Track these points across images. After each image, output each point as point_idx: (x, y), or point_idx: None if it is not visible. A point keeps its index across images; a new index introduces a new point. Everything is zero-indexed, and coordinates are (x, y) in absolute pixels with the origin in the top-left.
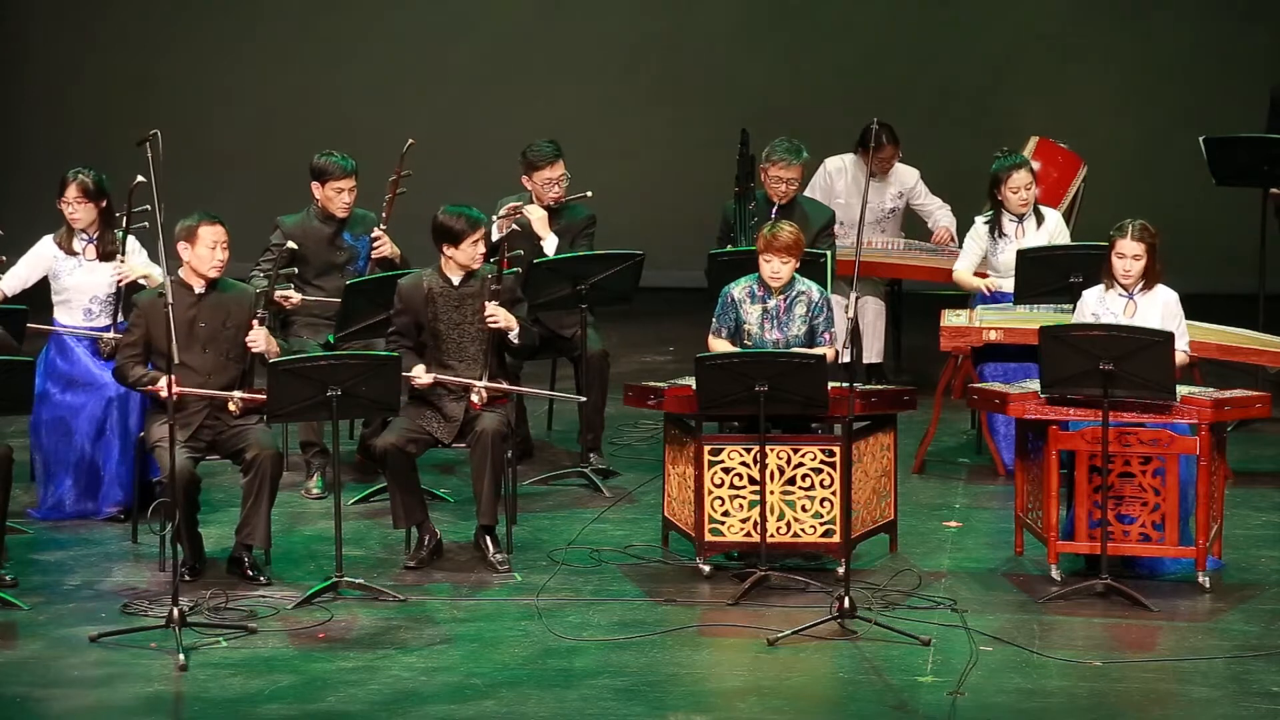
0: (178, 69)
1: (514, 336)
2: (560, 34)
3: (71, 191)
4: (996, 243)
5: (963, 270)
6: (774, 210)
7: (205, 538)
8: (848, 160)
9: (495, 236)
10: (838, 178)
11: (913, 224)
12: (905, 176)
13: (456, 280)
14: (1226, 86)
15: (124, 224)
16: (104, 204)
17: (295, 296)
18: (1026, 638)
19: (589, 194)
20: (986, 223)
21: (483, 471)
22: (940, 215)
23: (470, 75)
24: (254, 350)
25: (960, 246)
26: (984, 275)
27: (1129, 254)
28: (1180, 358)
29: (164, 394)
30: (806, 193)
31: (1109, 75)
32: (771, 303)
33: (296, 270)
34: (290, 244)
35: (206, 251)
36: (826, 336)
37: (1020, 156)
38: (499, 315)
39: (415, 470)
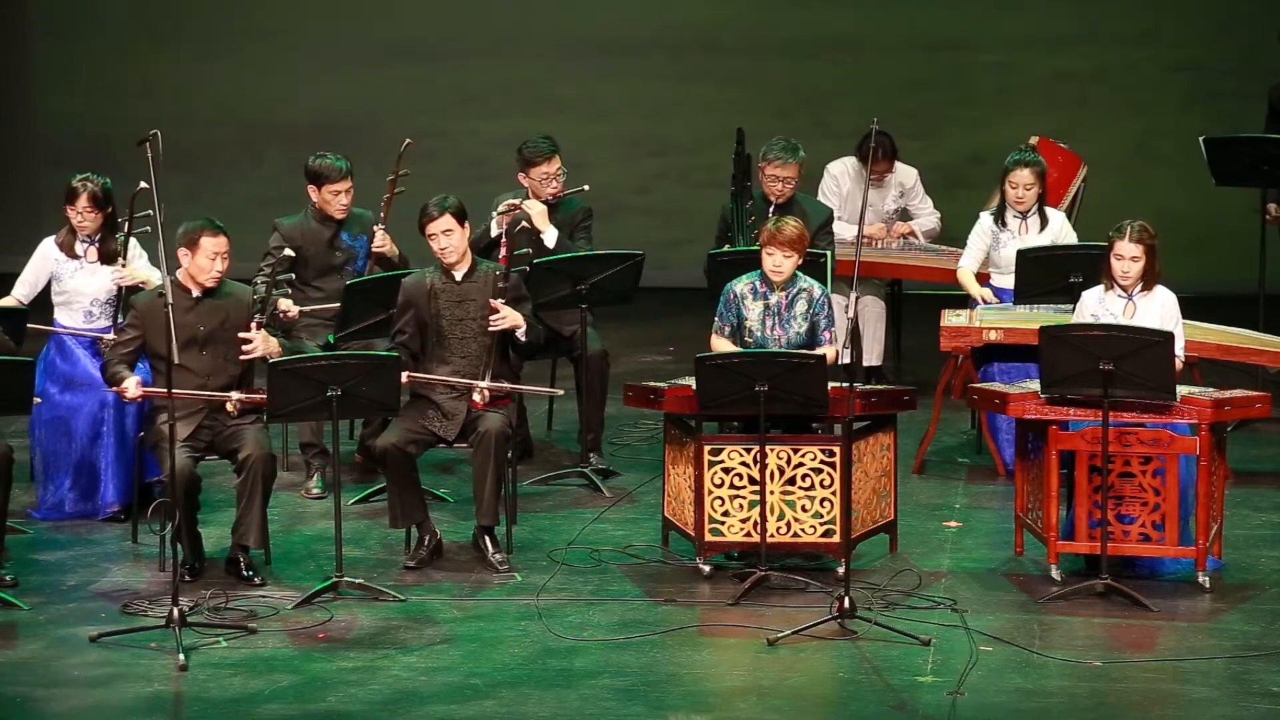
0: (178, 68)
1: (521, 334)
2: (560, 33)
3: (83, 201)
4: (1000, 234)
5: (965, 269)
6: (771, 209)
7: (205, 538)
8: (849, 163)
9: (494, 232)
10: (842, 180)
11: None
12: (904, 176)
13: (459, 276)
14: (1226, 86)
15: (126, 228)
16: (109, 210)
17: (293, 310)
18: (1026, 638)
19: (586, 187)
20: (992, 214)
21: (485, 472)
22: (924, 220)
23: (469, 75)
24: (249, 357)
25: (953, 248)
26: (986, 277)
27: (1127, 255)
28: (1175, 362)
29: (128, 395)
30: (818, 196)
31: (1109, 75)
32: (773, 299)
33: (295, 276)
34: (288, 251)
35: (206, 262)
36: (827, 335)
37: (1032, 156)
38: (506, 315)
39: (415, 470)
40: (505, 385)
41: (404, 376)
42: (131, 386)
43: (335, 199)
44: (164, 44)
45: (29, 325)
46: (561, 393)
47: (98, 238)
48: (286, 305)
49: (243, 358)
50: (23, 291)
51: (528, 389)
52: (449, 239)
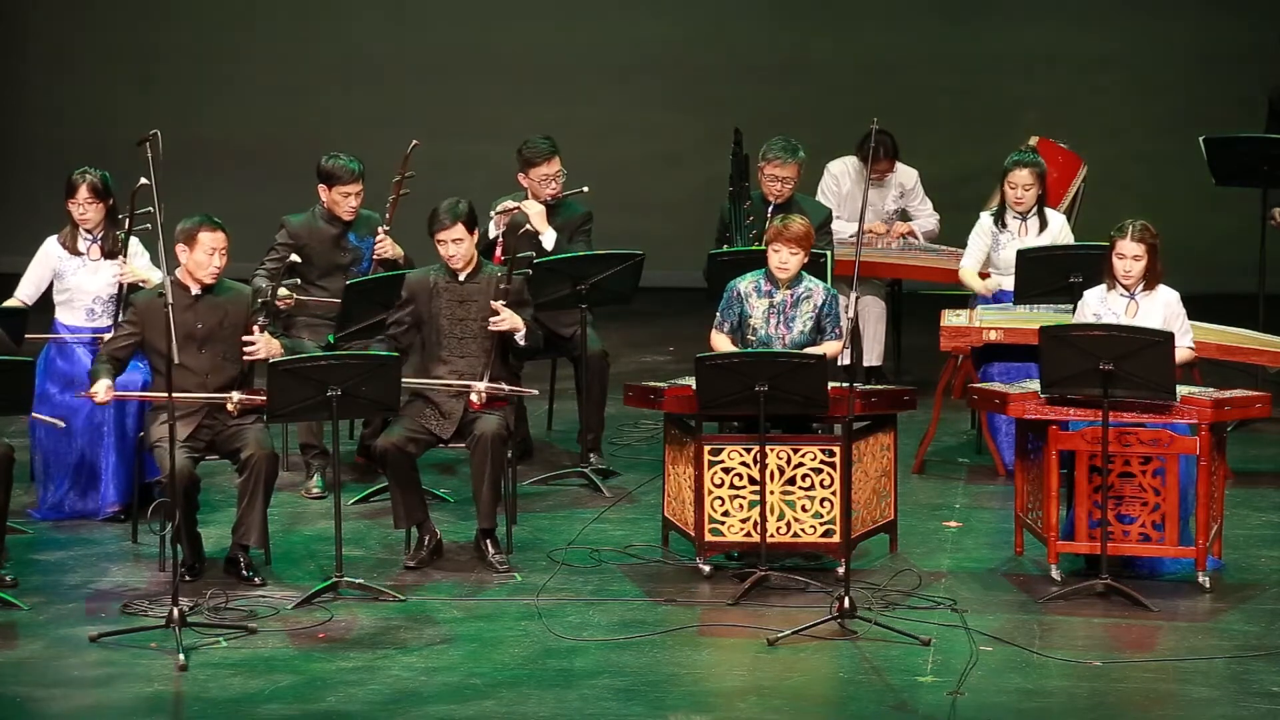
0: (178, 67)
1: (520, 338)
2: (560, 33)
3: (83, 192)
4: (1000, 235)
5: (967, 269)
6: (770, 209)
7: (205, 538)
8: (850, 163)
9: (493, 234)
10: (843, 180)
11: None
12: (905, 177)
13: (462, 277)
14: (1226, 86)
15: (127, 225)
16: (110, 203)
17: (291, 298)
18: (1026, 638)
19: (585, 189)
20: (992, 215)
21: (482, 474)
22: (923, 221)
23: (469, 76)
24: (252, 359)
25: (952, 248)
26: (986, 275)
27: (1129, 254)
28: (1186, 354)
29: (98, 399)
30: (817, 195)
31: (1109, 75)
32: (778, 297)
33: (299, 281)
34: (294, 256)
35: (204, 258)
36: (836, 333)
37: (1032, 157)
38: (505, 316)
39: (416, 470)
40: (504, 387)
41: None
42: (101, 391)
43: (345, 200)
44: (167, 41)
45: (28, 335)
46: (535, 392)
47: (100, 234)
48: (285, 293)
49: (246, 358)
50: (27, 292)
51: (518, 390)
52: (458, 247)
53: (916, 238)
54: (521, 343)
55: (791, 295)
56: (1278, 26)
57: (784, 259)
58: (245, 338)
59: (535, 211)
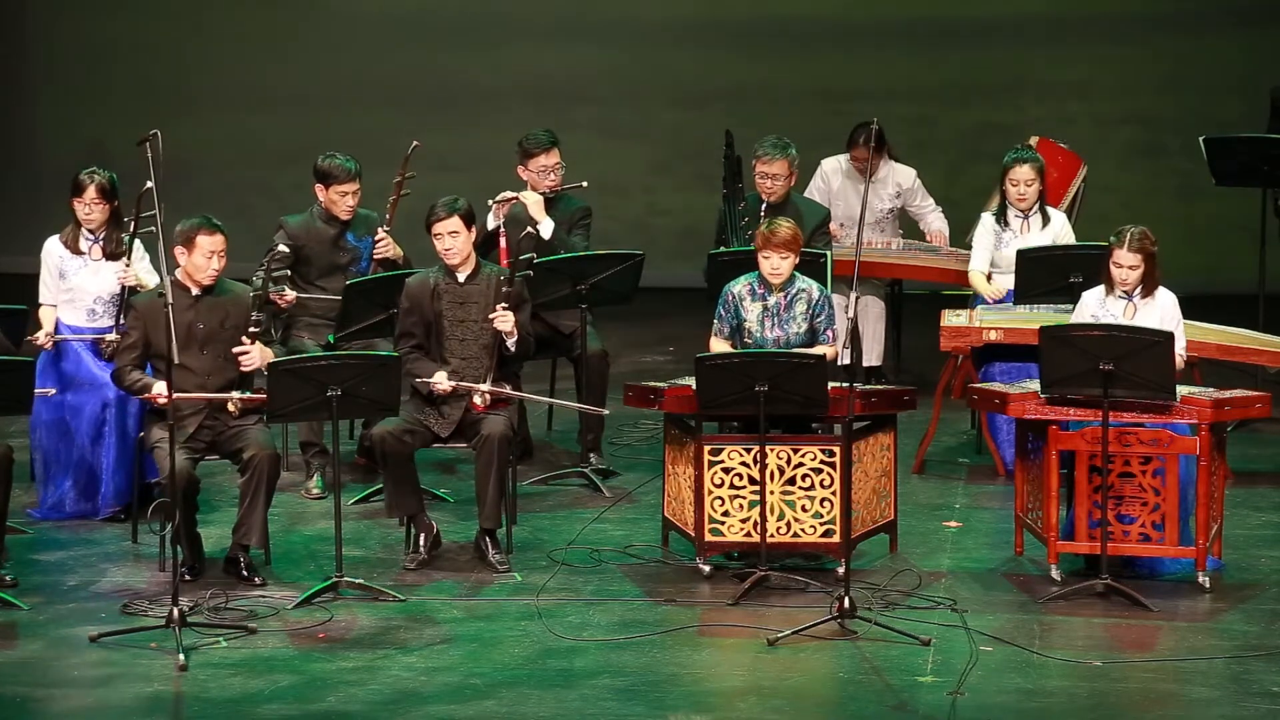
0: (179, 67)
1: (510, 344)
2: (560, 33)
3: (90, 193)
4: (1002, 233)
5: (976, 270)
6: (763, 208)
7: (205, 538)
8: (843, 160)
9: (491, 224)
10: (833, 178)
11: (908, 225)
12: (902, 176)
13: (462, 278)
14: (1226, 87)
15: (132, 228)
16: (115, 204)
17: (289, 294)
18: (1026, 638)
19: (584, 184)
20: (993, 215)
21: (488, 475)
22: (933, 219)
23: (469, 75)
24: (247, 368)
25: (953, 248)
26: (988, 277)
27: (1126, 264)
28: (1177, 361)
29: (160, 401)
30: (805, 194)
31: (1109, 75)
32: (772, 299)
33: (290, 274)
34: (283, 247)
35: (203, 260)
36: (829, 334)
37: (1030, 152)
38: (504, 319)
39: (411, 461)
40: (530, 397)
41: (448, 385)
42: (164, 392)
43: (342, 199)
44: (166, 41)
45: (28, 338)
46: (607, 412)
47: (102, 235)
48: (281, 290)
49: (242, 368)
50: (49, 295)
51: (570, 405)
52: (454, 240)
53: (946, 242)
54: (511, 349)
55: (785, 297)
56: (1245, 54)
57: (775, 264)
58: (238, 349)
59: (533, 201)
